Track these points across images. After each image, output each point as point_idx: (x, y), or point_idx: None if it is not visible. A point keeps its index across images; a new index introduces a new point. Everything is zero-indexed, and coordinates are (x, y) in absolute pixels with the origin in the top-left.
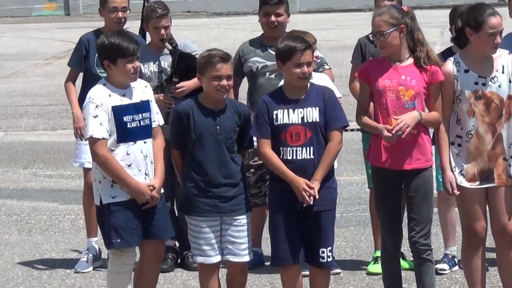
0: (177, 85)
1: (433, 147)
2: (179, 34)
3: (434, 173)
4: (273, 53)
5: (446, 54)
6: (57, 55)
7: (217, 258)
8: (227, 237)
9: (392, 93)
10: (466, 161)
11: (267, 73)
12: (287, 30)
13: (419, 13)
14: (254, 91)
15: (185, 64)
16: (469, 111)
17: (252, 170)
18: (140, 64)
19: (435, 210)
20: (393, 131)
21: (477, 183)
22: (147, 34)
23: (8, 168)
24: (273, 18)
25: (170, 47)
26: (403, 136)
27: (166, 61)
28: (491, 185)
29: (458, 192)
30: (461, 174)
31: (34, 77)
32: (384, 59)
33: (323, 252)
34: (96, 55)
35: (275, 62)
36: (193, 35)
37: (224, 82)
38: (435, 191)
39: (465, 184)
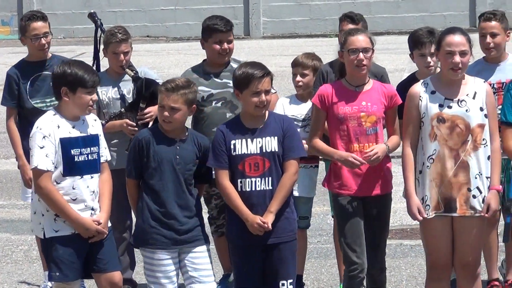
0: (145, 111)
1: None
2: (138, 59)
3: None
4: (218, 80)
5: (409, 79)
6: None
7: None
8: (189, 266)
9: (353, 120)
10: (429, 188)
11: (213, 102)
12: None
13: (388, 39)
14: (200, 121)
15: (152, 91)
16: (431, 134)
17: (214, 203)
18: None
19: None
20: (364, 160)
21: (441, 210)
22: (101, 59)
23: None
24: (225, 45)
25: (132, 74)
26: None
27: (125, 88)
28: (453, 215)
29: (425, 216)
30: (427, 205)
31: None
32: (341, 83)
33: (283, 284)
34: (28, 87)
35: (220, 90)
36: (152, 60)
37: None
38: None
39: (430, 213)
